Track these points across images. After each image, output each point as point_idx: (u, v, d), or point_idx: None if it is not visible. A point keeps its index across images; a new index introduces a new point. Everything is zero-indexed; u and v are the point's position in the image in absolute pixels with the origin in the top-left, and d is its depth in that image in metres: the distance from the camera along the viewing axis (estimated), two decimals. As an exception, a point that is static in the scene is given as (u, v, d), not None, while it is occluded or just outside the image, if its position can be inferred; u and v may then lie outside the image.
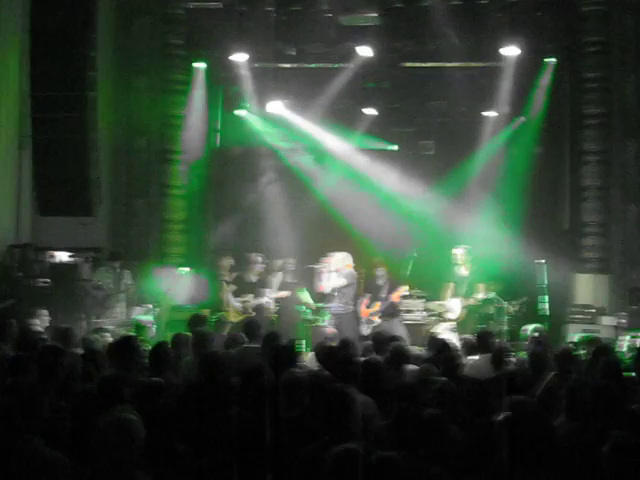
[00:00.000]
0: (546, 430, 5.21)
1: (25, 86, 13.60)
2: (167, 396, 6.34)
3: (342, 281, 14.11)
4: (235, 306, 13.63)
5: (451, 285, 14.33)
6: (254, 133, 17.28)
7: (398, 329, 13.41)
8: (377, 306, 14.12)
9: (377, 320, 13.96)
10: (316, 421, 5.96)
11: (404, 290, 14.16)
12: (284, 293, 14.30)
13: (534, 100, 15.84)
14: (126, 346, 7.78)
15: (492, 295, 14.23)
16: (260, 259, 14.64)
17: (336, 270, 14.10)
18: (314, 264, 14.30)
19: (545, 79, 15.58)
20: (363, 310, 14.28)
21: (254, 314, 13.34)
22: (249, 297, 13.85)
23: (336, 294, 14.06)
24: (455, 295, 14.23)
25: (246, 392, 6.22)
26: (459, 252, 14.38)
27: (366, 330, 13.85)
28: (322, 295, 14.37)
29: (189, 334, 9.91)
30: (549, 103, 15.98)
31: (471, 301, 14.12)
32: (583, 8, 15.08)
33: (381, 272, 14.23)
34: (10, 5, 14.50)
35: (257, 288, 14.02)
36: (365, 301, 14.30)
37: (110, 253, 14.64)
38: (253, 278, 13.98)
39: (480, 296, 14.16)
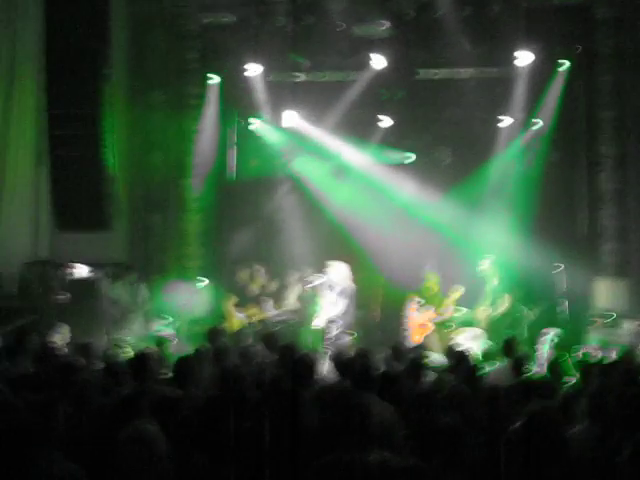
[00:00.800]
0: (564, 437, 5.20)
1: (41, 103, 13.71)
2: (187, 408, 6.36)
3: (342, 304, 13.60)
4: (238, 318, 13.60)
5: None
6: (269, 146, 17.26)
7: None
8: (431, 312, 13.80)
9: (432, 326, 13.63)
10: (335, 431, 5.97)
11: (460, 291, 13.89)
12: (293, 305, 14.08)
13: (547, 105, 15.78)
14: (147, 360, 7.81)
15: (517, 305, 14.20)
16: (263, 270, 14.60)
17: (337, 286, 13.64)
18: (312, 278, 14.04)
19: (558, 83, 15.50)
20: (413, 317, 13.98)
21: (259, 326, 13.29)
22: (253, 309, 13.75)
23: (335, 321, 13.57)
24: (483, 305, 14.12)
25: (265, 403, 6.23)
26: (486, 263, 14.30)
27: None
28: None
29: (209, 347, 9.97)
30: (563, 108, 15.93)
31: (499, 310, 14.02)
32: (596, 13, 15.06)
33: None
34: (25, 23, 14.64)
35: (260, 300, 13.89)
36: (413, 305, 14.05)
37: (126, 267, 14.70)
38: (256, 290, 13.88)
39: (505, 306, 14.06)
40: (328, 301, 13.67)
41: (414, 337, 13.59)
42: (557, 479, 4.94)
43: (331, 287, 13.66)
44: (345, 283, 13.58)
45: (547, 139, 16.19)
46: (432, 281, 14.11)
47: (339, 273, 13.60)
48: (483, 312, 14.03)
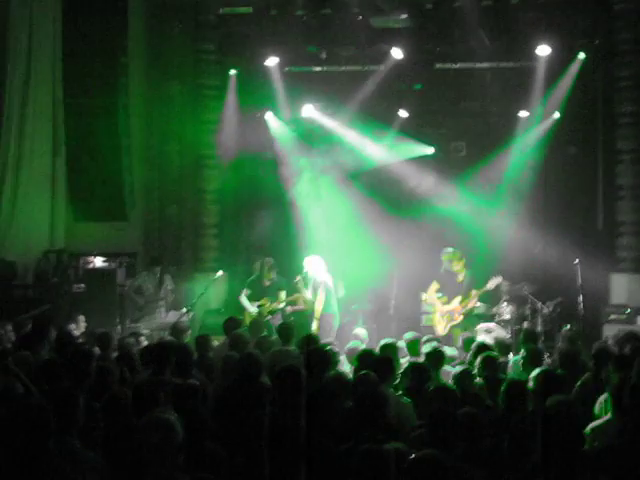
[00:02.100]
0: (579, 429, 5.18)
1: (58, 93, 13.74)
2: (202, 398, 6.38)
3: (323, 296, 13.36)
4: (249, 310, 13.58)
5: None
6: (283, 137, 17.21)
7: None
8: (458, 301, 13.35)
9: (460, 317, 13.33)
10: (353, 421, 5.98)
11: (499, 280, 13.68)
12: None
13: (564, 98, 15.70)
14: (162, 349, 7.83)
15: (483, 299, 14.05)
16: (272, 262, 14.59)
17: (317, 279, 13.41)
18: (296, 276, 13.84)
19: (575, 76, 15.40)
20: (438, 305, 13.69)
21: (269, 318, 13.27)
22: (265, 301, 13.72)
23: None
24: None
25: (280, 393, 6.24)
26: (452, 254, 13.96)
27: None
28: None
29: (209, 336, 10.01)
30: (580, 102, 15.88)
31: (469, 306, 13.88)
32: (615, 6, 14.99)
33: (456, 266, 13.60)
34: (43, 14, 14.67)
35: (271, 292, 13.85)
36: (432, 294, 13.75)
37: (151, 258, 14.72)
38: (267, 282, 13.86)
39: (473, 302, 13.93)
40: (309, 295, 13.56)
41: (439, 327, 13.46)
42: (574, 471, 4.91)
43: (312, 281, 13.52)
44: (324, 276, 13.49)
45: (564, 133, 16.14)
46: (455, 255, 13.83)
47: (316, 266, 13.54)
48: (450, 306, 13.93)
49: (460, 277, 13.69)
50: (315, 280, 13.46)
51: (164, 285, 14.00)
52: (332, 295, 13.47)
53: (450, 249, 13.89)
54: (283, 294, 13.77)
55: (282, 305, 13.74)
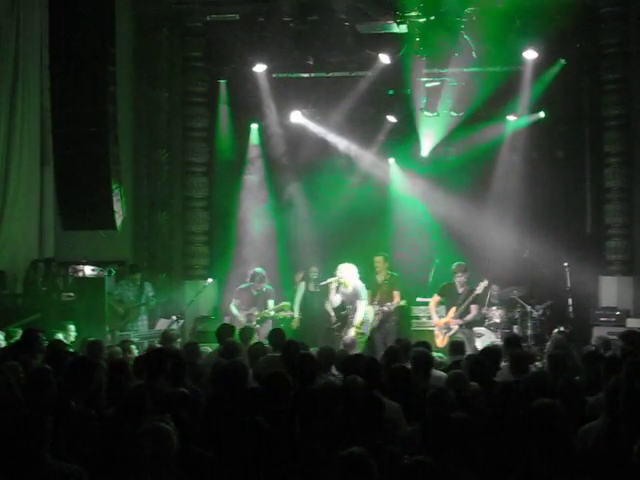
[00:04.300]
0: (569, 432, 5.19)
1: (46, 102, 13.70)
2: (192, 405, 6.38)
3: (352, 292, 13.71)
4: (239, 318, 13.58)
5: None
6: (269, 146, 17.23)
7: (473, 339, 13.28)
8: (453, 311, 13.46)
9: (455, 327, 13.38)
10: (346, 427, 5.98)
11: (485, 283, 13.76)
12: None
13: (552, 102, 15.76)
14: (155, 357, 7.82)
15: (403, 303, 14.32)
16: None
17: (350, 284, 13.63)
18: (326, 280, 14.02)
19: (562, 80, 15.45)
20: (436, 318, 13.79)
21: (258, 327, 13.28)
22: (253, 310, 13.74)
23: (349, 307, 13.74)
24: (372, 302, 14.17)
25: (268, 400, 6.24)
26: (379, 260, 14.35)
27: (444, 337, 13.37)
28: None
29: (197, 343, 10.02)
30: (568, 105, 15.95)
31: (385, 308, 14.08)
32: (600, 10, 15.07)
33: (461, 278, 13.62)
34: (30, 22, 14.65)
35: (260, 301, 13.88)
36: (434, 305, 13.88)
37: (130, 266, 14.73)
38: (254, 291, 13.87)
39: (394, 303, 14.12)
40: (336, 302, 13.77)
41: (438, 340, 13.44)
42: (565, 474, 4.92)
43: (342, 288, 13.70)
44: (356, 283, 13.62)
45: (552, 136, 16.19)
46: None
47: (349, 273, 13.64)
48: (371, 309, 14.06)
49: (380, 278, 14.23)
50: (355, 288, 13.63)
51: (144, 292, 13.99)
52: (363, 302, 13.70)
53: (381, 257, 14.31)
54: (271, 303, 13.80)
55: (272, 314, 13.76)
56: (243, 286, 14.02)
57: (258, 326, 13.34)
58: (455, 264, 13.54)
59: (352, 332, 13.18)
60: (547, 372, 8.29)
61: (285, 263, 16.25)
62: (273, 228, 16.80)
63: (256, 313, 13.63)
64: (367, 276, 14.18)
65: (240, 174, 17.12)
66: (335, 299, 13.75)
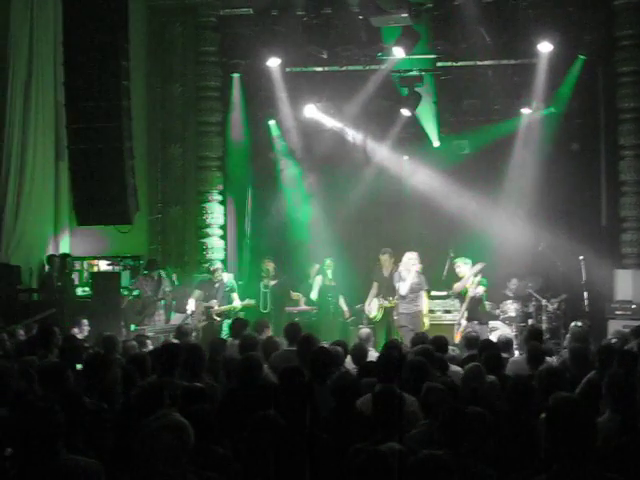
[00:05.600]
0: (588, 426, 5.16)
1: (60, 97, 13.73)
2: (208, 400, 6.38)
3: (418, 281, 13.89)
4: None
5: (375, 285, 14.45)
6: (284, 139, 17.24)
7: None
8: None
9: (464, 322, 13.36)
10: (364, 421, 5.99)
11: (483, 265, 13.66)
12: None
13: (566, 95, 15.71)
14: (170, 352, 7.81)
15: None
16: (273, 265, 14.70)
17: (409, 270, 13.82)
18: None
19: (577, 73, 15.41)
20: None
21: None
22: (213, 303, 13.72)
23: (411, 295, 13.80)
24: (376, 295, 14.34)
25: (284, 394, 6.23)
26: (385, 258, 14.42)
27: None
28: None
29: (224, 339, 9.98)
30: (583, 98, 15.87)
31: (385, 303, 14.18)
32: (615, 2, 14.99)
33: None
34: (43, 17, 14.69)
35: (221, 294, 13.87)
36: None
37: (147, 261, 14.74)
38: (216, 284, 13.86)
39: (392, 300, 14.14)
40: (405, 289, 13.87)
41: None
42: (584, 466, 4.90)
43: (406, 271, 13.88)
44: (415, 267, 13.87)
45: (567, 129, 16.12)
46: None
47: (410, 259, 13.81)
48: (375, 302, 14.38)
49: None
50: (420, 278, 13.86)
51: (162, 287, 14.01)
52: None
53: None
54: (235, 296, 13.79)
55: (238, 307, 13.75)
56: (204, 278, 14.10)
57: (218, 319, 13.40)
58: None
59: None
60: (569, 365, 8.28)
61: (299, 256, 16.27)
62: (288, 221, 16.84)
63: (216, 307, 13.61)
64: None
65: (254, 168, 17.13)
66: (404, 286, 13.78)
